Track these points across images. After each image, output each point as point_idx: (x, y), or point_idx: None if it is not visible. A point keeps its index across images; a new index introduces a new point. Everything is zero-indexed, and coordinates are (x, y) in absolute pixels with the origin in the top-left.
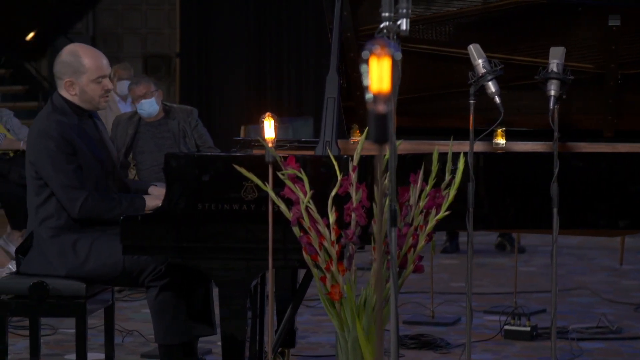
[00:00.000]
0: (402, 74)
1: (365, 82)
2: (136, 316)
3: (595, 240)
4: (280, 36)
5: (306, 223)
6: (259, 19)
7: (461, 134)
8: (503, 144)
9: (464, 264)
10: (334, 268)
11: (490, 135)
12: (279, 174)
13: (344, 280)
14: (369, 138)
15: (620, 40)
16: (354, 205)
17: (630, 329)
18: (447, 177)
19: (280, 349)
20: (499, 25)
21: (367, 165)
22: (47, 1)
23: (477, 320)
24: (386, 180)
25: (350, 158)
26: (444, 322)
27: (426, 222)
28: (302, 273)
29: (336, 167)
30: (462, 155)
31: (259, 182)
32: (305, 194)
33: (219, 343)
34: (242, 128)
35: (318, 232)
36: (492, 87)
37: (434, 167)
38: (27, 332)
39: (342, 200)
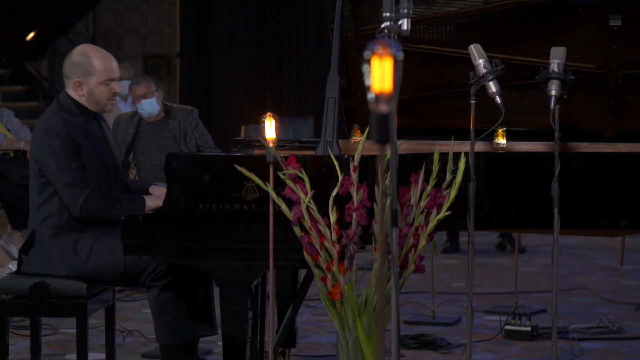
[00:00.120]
0: (403, 74)
1: (367, 82)
2: (137, 316)
3: (596, 240)
4: (280, 36)
5: (307, 223)
6: (259, 19)
7: (462, 134)
8: (504, 144)
9: (464, 264)
10: (334, 268)
11: (491, 135)
12: (279, 174)
13: (345, 280)
14: (370, 138)
15: (620, 40)
16: (355, 205)
17: (630, 329)
18: (448, 177)
19: (280, 349)
20: (499, 25)
21: (367, 165)
22: (47, 1)
23: (477, 320)
24: (387, 180)
25: (351, 158)
26: (444, 322)
27: (427, 222)
28: (302, 273)
29: (337, 167)
30: (462, 155)
31: (260, 182)
32: (306, 194)
33: (220, 343)
34: (243, 128)
35: (319, 232)
36: (493, 87)
37: (435, 167)
38: (27, 332)
39: (343, 200)
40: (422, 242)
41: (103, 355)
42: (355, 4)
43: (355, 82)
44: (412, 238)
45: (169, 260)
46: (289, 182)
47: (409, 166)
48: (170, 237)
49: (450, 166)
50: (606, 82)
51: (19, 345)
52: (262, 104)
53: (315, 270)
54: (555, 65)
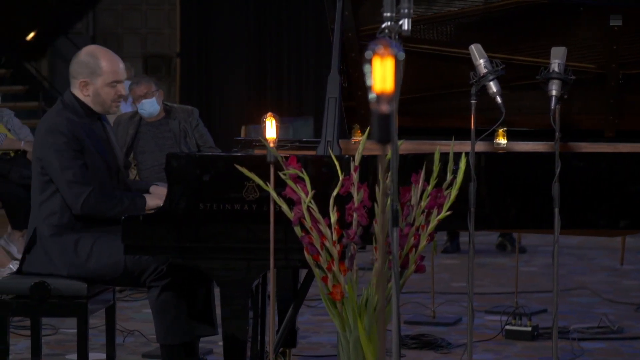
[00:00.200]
0: (404, 74)
1: (368, 82)
2: (137, 316)
3: (596, 240)
4: (280, 36)
5: (308, 223)
6: (259, 19)
7: (462, 134)
8: (504, 144)
9: (464, 264)
10: (335, 268)
11: (492, 135)
12: (280, 174)
13: (346, 280)
14: (372, 138)
15: (621, 40)
16: (356, 205)
17: (631, 329)
18: (449, 177)
19: (281, 349)
20: (500, 25)
21: (368, 165)
22: (47, 1)
23: (478, 320)
24: (388, 180)
25: (351, 158)
26: (445, 322)
27: (428, 222)
28: (303, 273)
29: (338, 167)
30: (463, 155)
31: (261, 182)
32: (306, 194)
33: (220, 343)
34: (243, 128)
35: (319, 232)
36: (493, 87)
37: (436, 167)
38: (28, 332)
39: (343, 200)
40: (423, 242)
41: (103, 355)
42: (356, 4)
43: (355, 82)
44: (412, 238)
45: (170, 260)
46: (290, 182)
47: (409, 166)
48: (171, 237)
49: (450, 166)
50: (607, 82)
51: (19, 345)
52: (262, 104)
53: (316, 270)
54: (555, 65)
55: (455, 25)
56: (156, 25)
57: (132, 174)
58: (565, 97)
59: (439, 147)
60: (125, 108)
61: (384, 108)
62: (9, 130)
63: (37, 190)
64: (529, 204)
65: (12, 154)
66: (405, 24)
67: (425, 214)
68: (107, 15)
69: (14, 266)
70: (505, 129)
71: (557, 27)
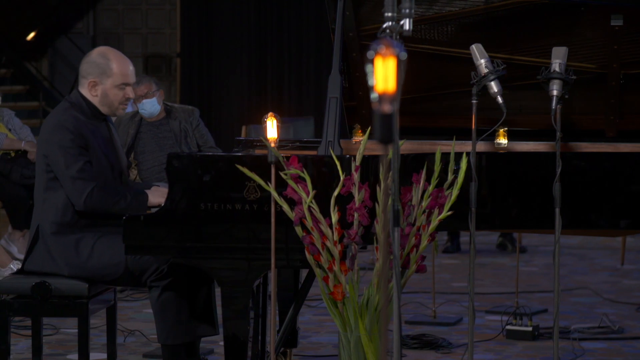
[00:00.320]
0: (405, 74)
1: (370, 82)
2: (138, 316)
3: (596, 240)
4: (281, 36)
5: (309, 223)
6: (259, 19)
7: (463, 134)
8: (505, 144)
9: (465, 264)
10: (336, 268)
11: (493, 135)
12: (281, 174)
13: (347, 280)
14: (374, 138)
15: (622, 40)
16: (357, 205)
17: (632, 329)
18: (450, 177)
19: (282, 349)
20: (501, 25)
21: (369, 165)
22: (47, 1)
23: (478, 320)
24: (389, 180)
25: (352, 158)
26: (445, 322)
27: (429, 222)
28: (304, 273)
29: (339, 167)
30: (464, 155)
31: (262, 182)
32: (307, 193)
33: (221, 343)
34: (243, 128)
35: (320, 232)
36: (494, 87)
37: (437, 167)
38: (29, 332)
39: (344, 200)
40: (424, 242)
41: (104, 355)
42: (357, 4)
43: (356, 82)
44: (414, 238)
45: (171, 260)
46: (291, 182)
47: (410, 166)
48: (172, 237)
49: (451, 166)
50: (607, 82)
51: (20, 345)
52: (262, 104)
53: (317, 270)
54: (556, 65)
55: (456, 25)
56: (157, 25)
57: (133, 174)
58: (566, 97)
59: (440, 147)
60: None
61: (386, 108)
62: (10, 130)
63: (41, 187)
64: (530, 204)
65: (12, 154)
66: (407, 24)
67: (426, 214)
68: (108, 15)
69: (14, 266)
70: (506, 128)
71: (558, 27)
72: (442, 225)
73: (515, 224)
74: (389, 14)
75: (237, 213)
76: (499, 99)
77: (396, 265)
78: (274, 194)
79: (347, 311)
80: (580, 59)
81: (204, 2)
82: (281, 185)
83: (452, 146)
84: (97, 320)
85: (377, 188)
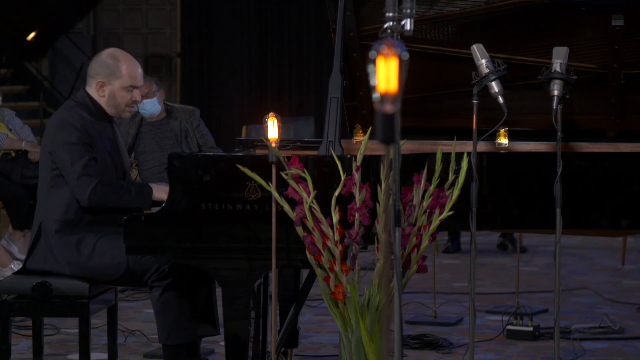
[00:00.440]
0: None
1: (372, 82)
2: (138, 316)
3: (597, 240)
4: (281, 36)
5: (310, 223)
6: (260, 19)
7: (464, 134)
8: (506, 144)
9: (465, 264)
10: (337, 268)
11: (494, 135)
12: (282, 174)
13: (348, 280)
14: (375, 138)
15: (623, 40)
16: (357, 205)
17: (632, 329)
18: (451, 177)
19: (283, 349)
20: (502, 25)
21: (370, 165)
22: (47, 1)
23: (479, 320)
24: (390, 180)
25: (353, 158)
26: (446, 322)
27: (430, 222)
28: (304, 273)
29: (339, 167)
30: (465, 155)
31: (263, 182)
32: (308, 194)
33: (222, 343)
34: (244, 128)
35: (321, 232)
36: (495, 87)
37: (438, 167)
38: (30, 332)
39: (345, 200)
40: (425, 242)
41: (105, 355)
42: (358, 4)
43: (357, 82)
44: (414, 238)
45: (172, 260)
46: (292, 182)
47: (411, 166)
48: (173, 237)
49: (452, 166)
50: (608, 82)
51: (21, 346)
52: (263, 104)
53: (318, 270)
54: (557, 65)
55: (456, 25)
56: (157, 25)
57: (133, 174)
58: (567, 97)
59: (440, 147)
60: None
61: (388, 108)
62: (10, 130)
63: (45, 185)
64: (531, 204)
65: (13, 154)
66: (408, 24)
67: (427, 214)
68: (108, 15)
69: (15, 266)
70: (507, 128)
71: (559, 27)
72: (443, 226)
73: (516, 224)
74: (390, 14)
75: (238, 213)
76: (500, 99)
77: (397, 265)
78: (275, 194)
79: (348, 311)
80: (581, 59)
81: (205, 2)
82: (282, 185)
83: (453, 146)
84: (98, 320)
85: (378, 188)
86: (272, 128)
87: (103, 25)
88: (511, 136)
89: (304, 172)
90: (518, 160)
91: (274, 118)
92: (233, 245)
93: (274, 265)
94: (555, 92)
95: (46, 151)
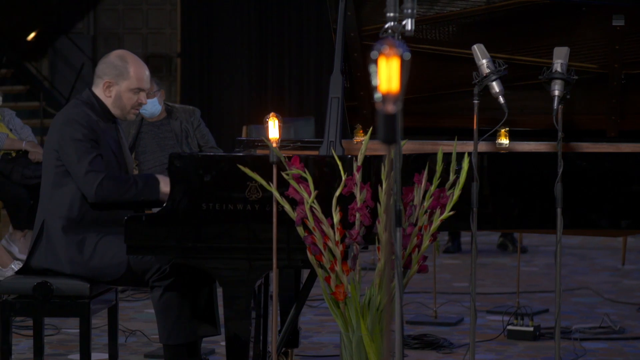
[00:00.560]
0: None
1: (374, 82)
2: (139, 316)
3: (597, 240)
4: (281, 36)
5: (310, 223)
6: (260, 19)
7: (465, 134)
8: (506, 144)
9: (465, 264)
10: (338, 268)
11: (494, 135)
12: (283, 174)
13: (349, 280)
14: (377, 138)
15: (624, 40)
16: (358, 205)
17: (633, 329)
18: (451, 177)
19: (283, 349)
20: (502, 25)
21: (370, 165)
22: (48, 1)
23: (480, 320)
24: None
25: (354, 158)
26: (446, 322)
27: (430, 222)
28: (305, 273)
29: (340, 167)
30: (466, 155)
31: (264, 182)
32: (309, 194)
33: (222, 343)
34: (244, 128)
35: (322, 232)
36: (496, 87)
37: (438, 167)
38: (30, 332)
39: (346, 200)
40: (426, 242)
41: (106, 355)
42: (358, 4)
43: (358, 82)
44: (415, 238)
45: (173, 260)
46: (293, 182)
47: (412, 166)
48: (174, 237)
49: (453, 166)
50: (609, 82)
51: (21, 346)
52: (263, 104)
53: (319, 270)
54: (558, 65)
55: (457, 25)
56: (157, 26)
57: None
58: (568, 97)
59: (441, 147)
60: None
61: (390, 108)
62: (11, 130)
63: (49, 182)
64: (532, 204)
65: (13, 154)
66: (409, 24)
67: (428, 214)
68: (108, 15)
69: (15, 266)
70: (507, 129)
71: (560, 27)
72: (443, 226)
73: (516, 224)
74: (391, 14)
75: (238, 213)
76: (501, 99)
77: (398, 265)
78: (276, 194)
79: (349, 311)
80: (581, 59)
81: (205, 2)
82: (283, 186)
83: (454, 146)
84: (99, 320)
85: (379, 188)
86: (273, 128)
87: (103, 25)
88: (512, 136)
89: (304, 172)
90: (519, 161)
91: (274, 118)
92: (234, 245)
93: (274, 266)
94: (556, 92)
95: (51, 148)
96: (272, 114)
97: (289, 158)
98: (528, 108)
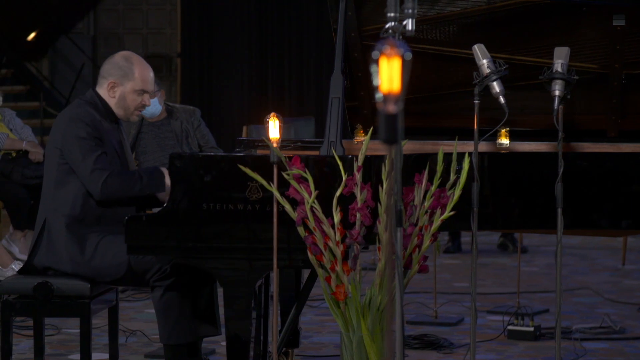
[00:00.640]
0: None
1: (375, 82)
2: (139, 316)
3: (597, 240)
4: (281, 36)
5: (311, 223)
6: (260, 19)
7: (465, 134)
8: (507, 144)
9: (466, 264)
10: (338, 268)
11: (495, 136)
12: (283, 174)
13: (349, 280)
14: (378, 138)
15: (624, 40)
16: (359, 205)
17: (633, 329)
18: (452, 177)
19: (284, 349)
20: (503, 25)
21: (371, 165)
22: (48, 1)
23: (480, 320)
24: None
25: (354, 158)
26: (447, 322)
27: (431, 222)
28: (305, 273)
29: (341, 167)
30: (466, 155)
31: (264, 182)
32: (310, 194)
33: (223, 343)
34: (244, 128)
35: (323, 232)
36: (496, 87)
37: (439, 167)
38: (31, 332)
39: (346, 200)
40: (426, 242)
41: (106, 355)
42: (359, 5)
43: (358, 82)
44: (416, 238)
45: (173, 260)
46: (293, 182)
47: (412, 166)
48: (174, 237)
49: (454, 166)
50: (609, 82)
51: (22, 346)
52: (263, 104)
53: (319, 270)
54: (558, 65)
55: (458, 25)
56: (157, 26)
57: None
58: (568, 97)
59: (442, 147)
60: None
61: (391, 108)
62: (11, 130)
63: (52, 181)
64: (532, 204)
65: (13, 154)
66: (410, 24)
67: (428, 214)
68: (108, 15)
69: (16, 266)
70: (508, 129)
71: (560, 27)
72: (444, 226)
73: (517, 224)
74: (392, 14)
75: (239, 213)
76: (501, 99)
77: (398, 265)
78: (276, 194)
79: (350, 311)
80: (582, 59)
81: (205, 2)
82: (283, 186)
83: (454, 146)
84: (99, 321)
85: (380, 188)
86: (274, 128)
87: (103, 26)
88: (512, 136)
89: (305, 172)
90: (519, 161)
91: (275, 118)
92: (234, 245)
93: (275, 266)
94: (557, 92)
95: (53, 147)
96: (272, 114)
97: (290, 158)
98: (528, 108)
